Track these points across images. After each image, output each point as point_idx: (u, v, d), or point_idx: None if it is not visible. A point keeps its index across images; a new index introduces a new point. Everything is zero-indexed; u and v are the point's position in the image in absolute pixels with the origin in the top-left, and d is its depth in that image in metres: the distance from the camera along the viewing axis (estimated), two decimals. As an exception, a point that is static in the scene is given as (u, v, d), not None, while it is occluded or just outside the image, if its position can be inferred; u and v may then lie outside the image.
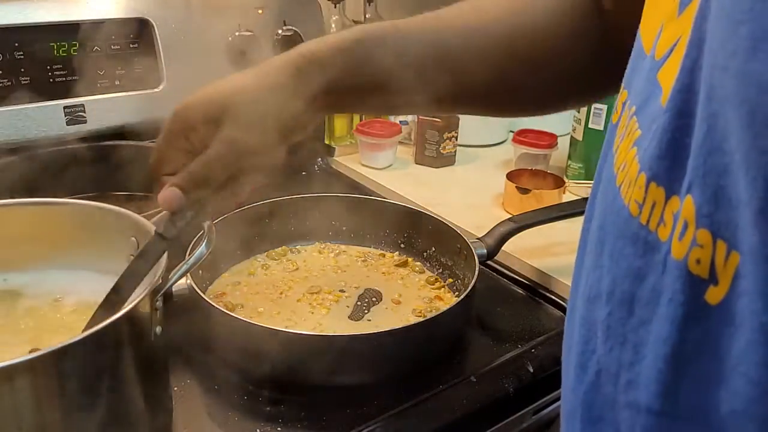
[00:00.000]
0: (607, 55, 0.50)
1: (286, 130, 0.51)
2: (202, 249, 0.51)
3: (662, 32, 0.32)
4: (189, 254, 0.61)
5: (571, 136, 1.03)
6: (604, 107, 0.97)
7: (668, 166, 0.28)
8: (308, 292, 0.74)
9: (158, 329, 0.50)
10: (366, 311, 0.72)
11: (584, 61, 0.54)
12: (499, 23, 0.53)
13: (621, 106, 0.36)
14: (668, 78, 0.29)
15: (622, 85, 0.37)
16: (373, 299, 0.74)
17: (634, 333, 0.30)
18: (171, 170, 0.51)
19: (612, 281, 0.32)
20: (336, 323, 0.70)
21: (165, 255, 0.52)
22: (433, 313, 0.69)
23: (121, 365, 0.47)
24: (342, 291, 0.75)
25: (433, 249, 0.82)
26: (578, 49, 0.53)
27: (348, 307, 0.73)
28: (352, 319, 0.71)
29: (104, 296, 0.52)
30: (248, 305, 0.72)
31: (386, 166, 1.10)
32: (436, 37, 0.53)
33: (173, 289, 0.63)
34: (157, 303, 0.50)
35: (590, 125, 0.99)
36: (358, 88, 0.53)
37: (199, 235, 0.53)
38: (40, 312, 0.58)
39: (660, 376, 0.28)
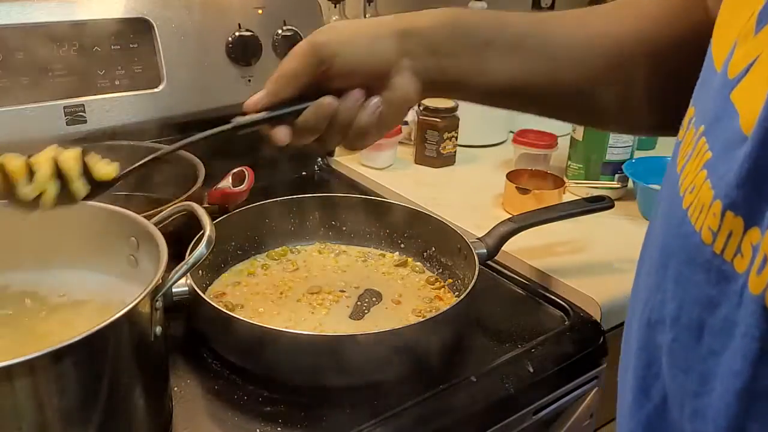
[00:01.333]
0: None
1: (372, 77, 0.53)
2: (202, 249, 0.51)
3: (736, 50, 0.30)
4: (189, 254, 0.60)
5: (571, 137, 1.03)
6: (604, 107, 0.97)
7: (748, 196, 0.27)
8: (308, 292, 0.74)
9: (158, 329, 0.50)
10: (366, 311, 0.72)
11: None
12: (602, 30, 0.54)
13: (687, 123, 0.34)
14: (746, 100, 0.28)
15: (691, 101, 0.35)
16: (373, 299, 0.74)
17: (701, 362, 0.29)
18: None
19: (678, 307, 0.31)
20: (336, 323, 0.70)
21: (165, 253, 0.52)
22: (433, 313, 0.69)
23: (121, 365, 0.47)
24: (342, 291, 0.75)
25: (433, 249, 0.82)
26: (683, 61, 0.49)
27: (348, 307, 0.73)
28: (352, 319, 0.71)
29: (105, 294, 0.52)
30: (248, 305, 0.72)
31: (386, 166, 1.09)
32: (537, 27, 0.54)
33: (173, 289, 0.63)
34: (157, 303, 0.50)
35: None
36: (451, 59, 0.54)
37: (199, 235, 0.53)
38: (40, 311, 0.58)
39: (728, 411, 0.27)
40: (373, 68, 0.52)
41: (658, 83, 0.54)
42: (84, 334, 0.43)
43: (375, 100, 0.53)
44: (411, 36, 0.53)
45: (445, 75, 0.54)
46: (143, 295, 0.47)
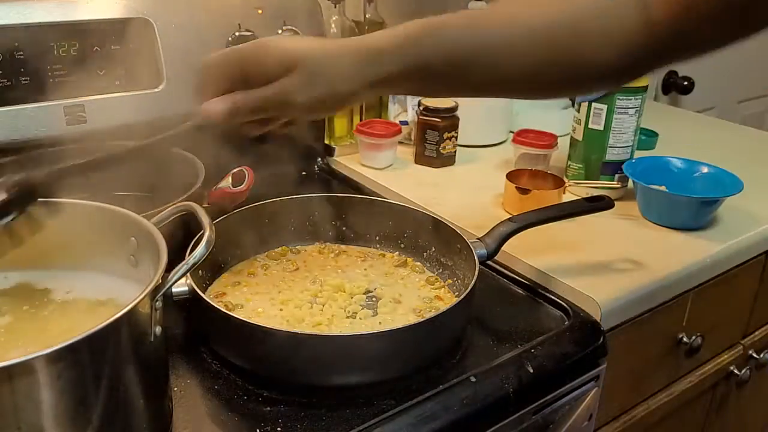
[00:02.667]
0: (646, 62, 0.55)
1: (337, 100, 0.57)
2: (201, 249, 0.51)
3: None
4: (189, 254, 0.60)
5: (571, 137, 1.03)
6: (604, 107, 0.97)
7: None
8: (308, 293, 0.74)
9: (158, 329, 0.50)
10: (367, 311, 0.72)
11: (620, 63, 0.56)
12: (542, 17, 0.56)
13: None
14: None
15: None
16: (373, 299, 0.74)
17: None
18: (215, 89, 0.56)
19: None
20: (336, 323, 0.70)
21: (165, 253, 0.51)
22: (433, 313, 0.69)
23: (121, 366, 0.47)
24: (342, 291, 0.75)
25: (433, 249, 0.82)
26: (614, 52, 0.55)
27: (348, 307, 0.72)
28: (352, 319, 0.71)
29: (105, 294, 0.52)
30: (248, 305, 0.72)
31: (386, 166, 1.09)
32: (483, 31, 0.56)
33: (173, 289, 0.63)
34: (157, 303, 0.50)
35: (590, 125, 0.99)
36: (410, 79, 0.57)
37: (199, 235, 0.53)
38: (41, 310, 0.58)
39: None
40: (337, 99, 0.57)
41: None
42: (84, 334, 0.43)
43: None
44: (378, 73, 0.55)
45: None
46: (143, 295, 0.47)
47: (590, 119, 0.99)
